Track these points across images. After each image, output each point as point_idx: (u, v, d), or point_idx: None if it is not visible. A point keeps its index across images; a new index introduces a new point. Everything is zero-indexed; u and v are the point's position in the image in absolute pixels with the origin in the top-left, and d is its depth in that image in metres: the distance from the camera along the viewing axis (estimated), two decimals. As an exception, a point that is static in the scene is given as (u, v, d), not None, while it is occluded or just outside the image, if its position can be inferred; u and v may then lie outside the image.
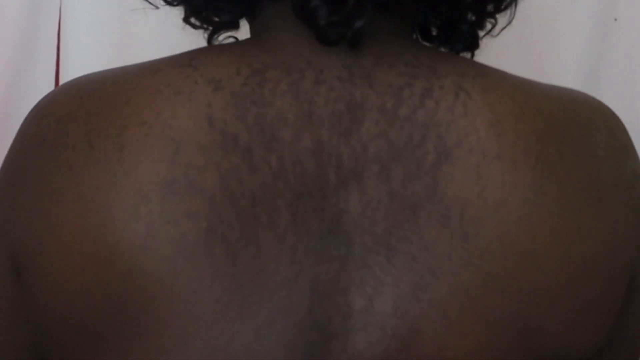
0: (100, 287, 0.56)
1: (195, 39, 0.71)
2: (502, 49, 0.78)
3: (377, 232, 0.58)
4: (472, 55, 0.71)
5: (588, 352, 0.62)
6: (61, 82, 1.14)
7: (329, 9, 0.59)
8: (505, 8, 0.69)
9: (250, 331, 0.56)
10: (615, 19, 1.15)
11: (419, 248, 0.57)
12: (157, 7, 0.70)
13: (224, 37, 0.71)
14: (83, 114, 0.59)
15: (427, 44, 0.71)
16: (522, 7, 0.71)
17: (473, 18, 0.69)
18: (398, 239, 0.57)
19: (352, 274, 0.57)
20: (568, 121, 0.61)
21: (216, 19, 0.69)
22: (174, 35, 0.72)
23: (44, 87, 1.12)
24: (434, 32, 0.71)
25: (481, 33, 0.71)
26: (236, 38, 0.70)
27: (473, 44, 0.70)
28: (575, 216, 0.59)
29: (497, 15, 0.71)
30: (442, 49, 0.71)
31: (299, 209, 0.57)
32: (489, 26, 0.71)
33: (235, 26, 0.69)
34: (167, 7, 0.70)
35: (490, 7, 0.69)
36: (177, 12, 0.70)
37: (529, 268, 0.58)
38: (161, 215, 0.56)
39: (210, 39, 0.71)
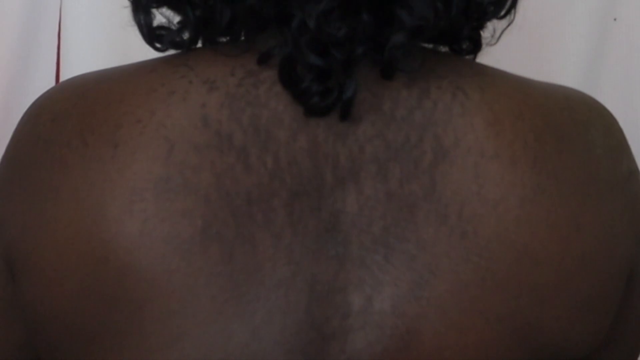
0: (95, 285, 0.56)
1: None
2: (502, 49, 0.78)
3: (375, 231, 0.57)
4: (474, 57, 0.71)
5: (587, 349, 0.62)
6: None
7: (316, 80, 0.57)
8: (506, 14, 0.68)
9: (247, 331, 0.56)
10: (615, 19, 1.15)
11: (417, 246, 0.57)
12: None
13: None
14: (78, 112, 0.59)
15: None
16: (521, 8, 0.70)
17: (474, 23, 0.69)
18: (396, 237, 0.57)
19: (351, 273, 0.57)
20: (565, 119, 0.61)
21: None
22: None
23: (44, 87, 1.11)
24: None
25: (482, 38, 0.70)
26: None
27: (474, 48, 0.70)
28: (573, 214, 0.59)
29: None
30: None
31: (296, 208, 0.57)
32: (489, 34, 0.70)
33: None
34: (164, 9, 0.70)
35: (490, 12, 0.68)
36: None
37: (528, 265, 0.57)
38: (156, 213, 0.55)
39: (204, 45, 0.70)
